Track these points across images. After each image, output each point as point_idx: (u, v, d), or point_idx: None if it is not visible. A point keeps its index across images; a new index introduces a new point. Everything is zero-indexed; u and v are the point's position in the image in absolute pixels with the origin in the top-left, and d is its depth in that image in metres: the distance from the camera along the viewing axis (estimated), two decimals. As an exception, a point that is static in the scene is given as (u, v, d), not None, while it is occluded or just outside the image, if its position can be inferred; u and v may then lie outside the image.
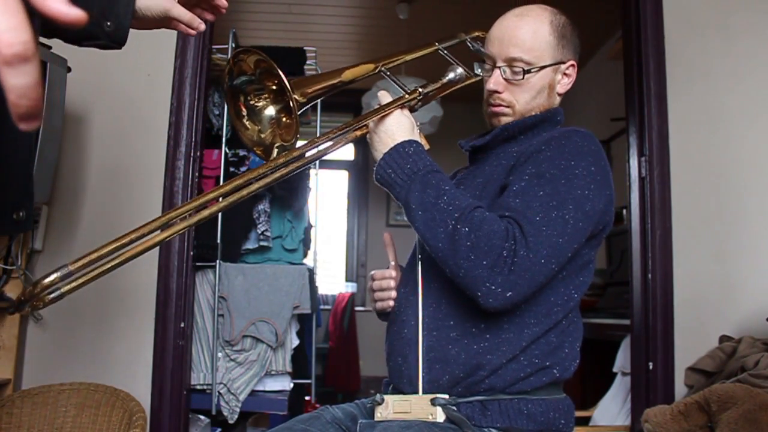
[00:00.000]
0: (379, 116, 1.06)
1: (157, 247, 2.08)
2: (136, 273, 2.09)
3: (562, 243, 0.96)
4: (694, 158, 2.19)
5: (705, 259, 2.14)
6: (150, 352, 2.05)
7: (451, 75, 1.16)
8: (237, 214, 2.62)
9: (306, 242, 2.86)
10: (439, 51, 1.28)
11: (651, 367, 2.09)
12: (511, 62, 1.14)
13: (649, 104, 2.19)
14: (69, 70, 1.90)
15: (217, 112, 2.71)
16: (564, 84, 1.19)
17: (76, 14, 0.36)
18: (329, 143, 1.01)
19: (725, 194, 2.17)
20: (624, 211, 3.34)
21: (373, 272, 1.23)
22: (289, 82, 0.95)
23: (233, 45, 2.76)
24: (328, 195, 5.48)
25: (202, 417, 2.50)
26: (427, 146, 1.15)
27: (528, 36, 1.13)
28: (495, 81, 1.16)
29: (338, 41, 4.41)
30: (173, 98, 2.15)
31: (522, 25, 1.14)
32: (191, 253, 2.14)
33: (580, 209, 0.98)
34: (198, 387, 2.46)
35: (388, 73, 1.16)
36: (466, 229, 0.94)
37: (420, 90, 1.11)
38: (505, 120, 1.17)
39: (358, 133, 1.07)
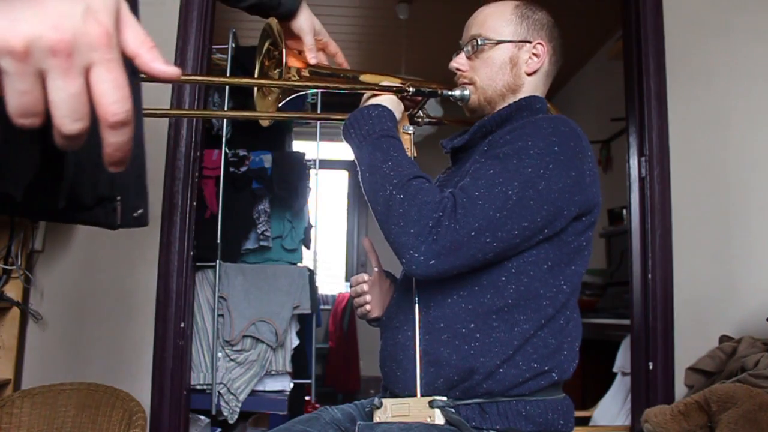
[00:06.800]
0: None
1: (157, 248, 2.10)
2: (136, 273, 2.09)
3: (500, 217, 0.95)
4: (694, 158, 2.19)
5: (705, 259, 2.14)
6: (150, 352, 2.05)
7: (457, 92, 1.19)
8: (237, 214, 2.62)
9: (306, 242, 2.86)
10: None
11: (651, 367, 2.09)
12: (471, 40, 1.18)
13: (649, 104, 2.19)
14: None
15: (217, 112, 2.71)
16: (532, 64, 1.17)
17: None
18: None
19: (725, 194, 2.17)
20: (624, 211, 3.35)
21: (352, 278, 1.24)
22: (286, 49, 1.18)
23: (233, 45, 2.75)
24: (328, 195, 5.48)
25: (202, 417, 2.50)
26: (414, 153, 1.16)
27: (487, 16, 1.19)
28: (457, 60, 1.20)
29: (338, 41, 4.38)
30: (173, 98, 2.14)
31: (484, 9, 1.21)
32: (191, 253, 2.14)
33: (531, 187, 0.96)
34: (198, 387, 2.46)
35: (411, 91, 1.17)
36: (401, 196, 0.98)
37: (411, 89, 1.14)
38: (470, 99, 1.19)
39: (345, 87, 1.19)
